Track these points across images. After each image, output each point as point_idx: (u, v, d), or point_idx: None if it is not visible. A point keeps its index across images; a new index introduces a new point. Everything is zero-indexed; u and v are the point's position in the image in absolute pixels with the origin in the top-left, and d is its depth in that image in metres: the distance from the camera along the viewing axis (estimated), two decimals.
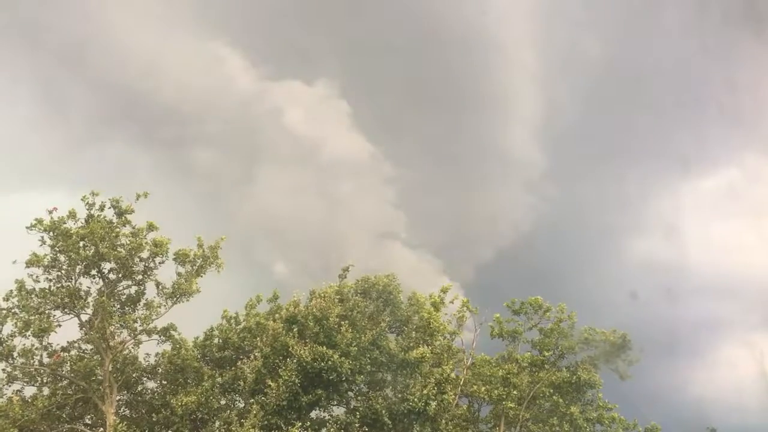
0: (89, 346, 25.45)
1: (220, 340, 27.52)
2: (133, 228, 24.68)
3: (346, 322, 24.94)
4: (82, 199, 24.41)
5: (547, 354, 29.47)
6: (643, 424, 30.62)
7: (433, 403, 25.11)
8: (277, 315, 26.09)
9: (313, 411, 25.61)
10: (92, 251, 23.88)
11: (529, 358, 29.79)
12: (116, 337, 24.87)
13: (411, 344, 26.17)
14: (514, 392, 28.49)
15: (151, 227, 24.84)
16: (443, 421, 27.72)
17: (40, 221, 23.85)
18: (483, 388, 28.83)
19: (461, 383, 28.64)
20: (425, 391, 25.03)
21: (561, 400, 28.44)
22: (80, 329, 25.05)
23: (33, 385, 25.07)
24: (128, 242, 24.44)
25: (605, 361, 29.08)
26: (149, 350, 26.81)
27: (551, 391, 28.80)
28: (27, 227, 23.81)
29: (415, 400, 24.76)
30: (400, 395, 25.26)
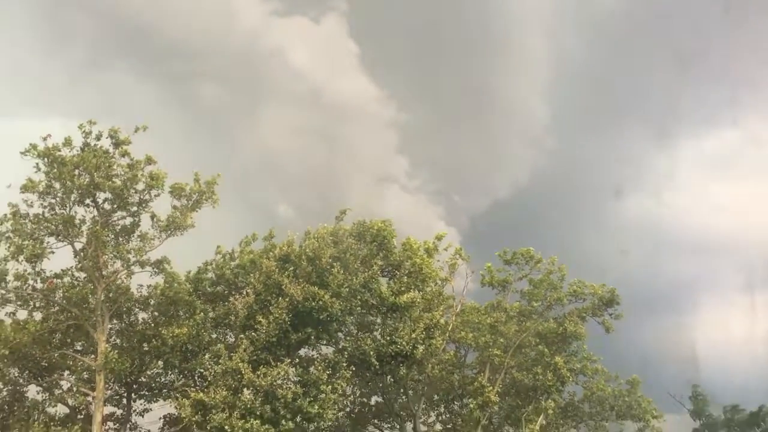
0: (82, 275, 25.53)
1: (214, 276, 27.67)
2: (131, 160, 24.49)
3: (339, 263, 25.06)
4: (79, 127, 24.14)
5: (535, 304, 29.82)
6: (625, 378, 31.29)
7: (421, 347, 25.51)
8: (271, 253, 26.17)
9: (302, 349, 26.01)
10: (87, 180, 23.76)
11: (517, 307, 30.17)
12: (109, 267, 24.94)
13: (402, 288, 26.39)
14: (501, 340, 28.96)
15: (149, 160, 24.66)
16: (429, 365, 28.29)
17: (34, 147, 23.65)
18: (470, 335, 29.29)
19: (450, 329, 29.04)
20: (414, 335, 25.38)
21: (546, 350, 28.91)
22: (74, 257, 25.12)
23: (25, 309, 25.29)
24: (124, 173, 24.29)
25: (592, 314, 29.47)
26: (142, 282, 26.98)
27: (537, 340, 29.29)
28: (21, 152, 23.60)
29: (403, 343, 25.12)
30: (388, 338, 25.61)
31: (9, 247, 23.77)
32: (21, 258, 23.95)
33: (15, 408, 26.25)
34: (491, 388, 27.68)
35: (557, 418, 30.49)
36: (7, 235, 23.85)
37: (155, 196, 24.95)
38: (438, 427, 32.41)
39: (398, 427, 31.42)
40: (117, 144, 24.35)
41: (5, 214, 23.93)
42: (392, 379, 28.20)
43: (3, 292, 24.70)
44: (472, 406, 28.03)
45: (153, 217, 25.03)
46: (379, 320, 27.03)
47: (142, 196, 24.81)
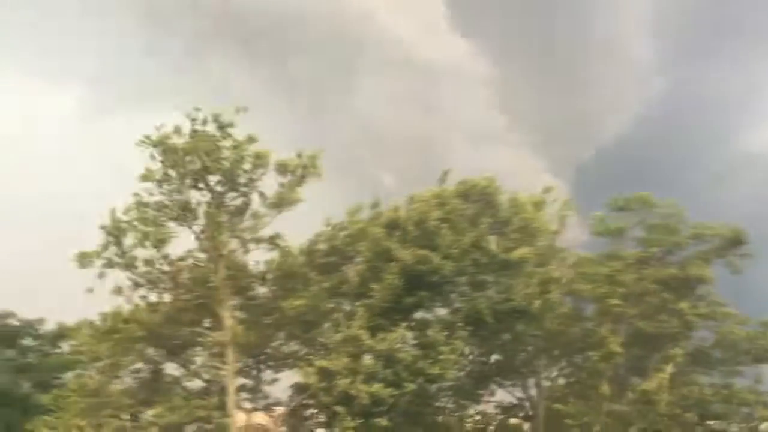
0: (203, 255, 26.80)
1: (326, 247, 28.27)
2: (235, 141, 25.28)
3: (446, 225, 25.00)
4: (186, 115, 25.11)
5: (653, 250, 28.62)
6: (759, 320, 29.64)
7: (537, 302, 25.15)
8: (378, 221, 26.44)
9: (417, 312, 26.22)
10: (198, 165, 24.78)
11: (635, 254, 29.03)
12: (227, 246, 26.02)
13: (512, 245, 26.00)
14: (620, 290, 27.99)
15: (251, 139, 25.36)
16: (547, 320, 27.83)
17: (148, 137, 24.84)
18: (587, 287, 28.52)
19: (565, 282, 28.40)
20: (528, 291, 25.06)
21: (670, 296, 27.76)
22: (194, 239, 26.39)
23: (155, 292, 26.88)
24: (231, 154, 25.13)
25: (717, 256, 27.98)
26: (258, 258, 27.99)
27: (659, 287, 28.09)
28: (136, 143, 24.85)
29: (519, 299, 24.86)
30: (503, 295, 25.43)
31: (136, 235, 25.28)
32: (147, 244, 25.43)
33: (156, 384, 28.12)
34: (613, 338, 26.94)
35: (687, 366, 29.29)
36: (133, 223, 25.37)
37: (262, 174, 25.70)
38: (561, 381, 31.95)
39: (520, 384, 31.25)
40: (221, 127, 25.18)
41: (130, 204, 25.44)
42: (510, 337, 27.98)
43: (135, 277, 26.36)
44: (594, 358, 27.45)
45: (262, 195, 25.83)
46: (491, 279, 26.79)
47: (250, 176, 25.62)
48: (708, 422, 30.63)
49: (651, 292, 28.28)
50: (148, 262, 26.20)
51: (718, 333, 29.61)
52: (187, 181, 25.16)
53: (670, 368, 26.72)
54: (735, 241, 27.70)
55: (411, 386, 23.25)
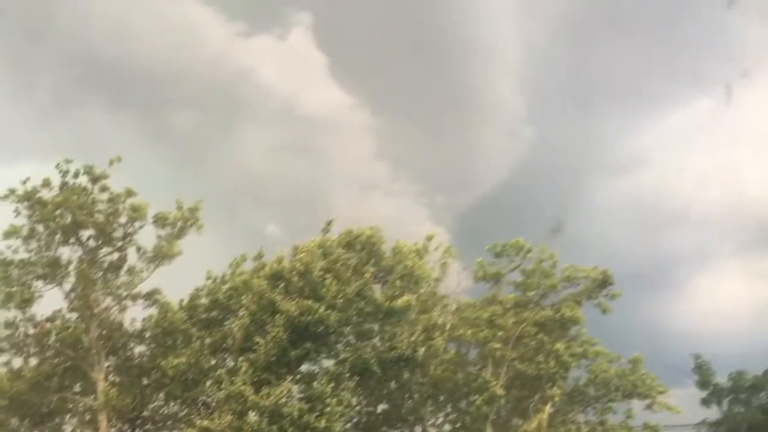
0: (74, 315, 25.38)
1: (207, 301, 27.51)
2: (111, 194, 24.40)
3: (331, 275, 25.01)
4: (56, 167, 24.10)
5: (530, 294, 29.85)
6: (627, 357, 31.34)
7: (422, 349, 25.46)
8: (261, 272, 26.07)
9: (303, 364, 25.84)
10: (69, 219, 23.65)
11: (512, 299, 30.16)
12: (100, 304, 24.82)
13: (396, 293, 26.31)
14: (500, 333, 28.89)
15: (129, 193, 24.58)
16: (432, 366, 28.22)
17: (13, 191, 23.56)
18: (469, 332, 29.23)
19: (448, 328, 29.00)
20: (413, 338, 25.35)
21: (546, 338, 28.91)
22: (64, 299, 24.98)
23: (20, 356, 25.09)
24: (105, 208, 24.20)
25: (588, 298, 29.54)
26: (135, 315, 26.85)
27: (536, 329, 29.22)
28: (0, 198, 23.46)
29: (404, 347, 25.07)
30: (388, 344, 25.55)
31: None
32: (11, 305, 23.79)
33: None
34: (495, 382, 27.64)
35: (564, 405, 30.45)
36: None
37: (139, 228, 24.92)
38: (447, 427, 32.30)
39: (407, 431, 31.32)
40: (94, 180, 24.24)
41: None
42: (396, 385, 28.10)
43: None
44: (478, 402, 27.96)
45: (139, 249, 24.94)
46: (376, 327, 26.93)
47: (126, 230, 24.74)
48: None
49: (529, 335, 29.34)
50: (11, 325, 24.49)
51: (590, 371, 31.01)
52: (57, 236, 23.92)
53: (548, 408, 27.70)
54: (603, 283, 29.31)
55: None
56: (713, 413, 35.64)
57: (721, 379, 36.03)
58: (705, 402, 35.48)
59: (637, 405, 30.92)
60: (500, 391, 27.50)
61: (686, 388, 36.77)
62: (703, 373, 35.85)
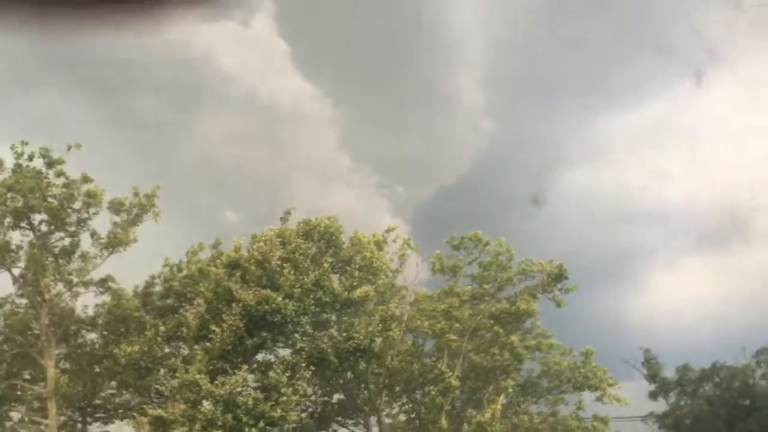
0: (24, 301, 24.84)
1: (162, 289, 27.18)
2: (67, 179, 23.86)
3: (289, 264, 24.91)
4: (10, 148, 23.41)
5: (486, 287, 30.19)
6: (579, 350, 31.94)
7: (378, 340, 25.57)
8: (219, 261, 25.84)
9: (259, 353, 25.75)
10: (21, 202, 23.05)
11: (469, 291, 30.47)
12: (51, 290, 24.30)
13: (354, 284, 26.35)
14: (456, 325, 29.22)
15: (85, 179, 24.07)
16: (389, 357, 28.38)
17: None
18: (426, 323, 29.46)
19: (405, 319, 29.18)
20: (370, 329, 25.41)
21: (501, 330, 29.32)
22: (13, 284, 24.39)
23: None
24: (60, 193, 23.66)
25: (543, 291, 30.00)
26: (88, 302, 26.38)
27: (492, 322, 29.61)
28: None
29: (360, 337, 25.12)
30: (345, 334, 25.60)
31: None
32: None
33: None
34: (451, 373, 27.92)
35: (517, 396, 30.98)
36: None
37: (94, 214, 24.42)
38: (402, 417, 32.54)
39: (362, 422, 31.47)
40: (50, 164, 23.67)
41: None
42: (353, 375, 28.18)
43: None
44: (433, 393, 28.22)
45: (93, 235, 24.49)
46: (334, 317, 26.97)
47: (80, 215, 24.24)
48: None
49: (485, 327, 29.73)
50: None
51: (544, 364, 31.57)
52: (8, 220, 23.31)
53: (502, 399, 28.09)
54: (558, 276, 29.78)
55: (253, 431, 22.65)
56: (661, 406, 36.54)
57: (669, 372, 36.95)
58: (653, 395, 36.32)
59: (587, 397, 31.58)
60: (455, 382, 27.80)
61: (636, 380, 37.61)
62: (651, 367, 36.66)
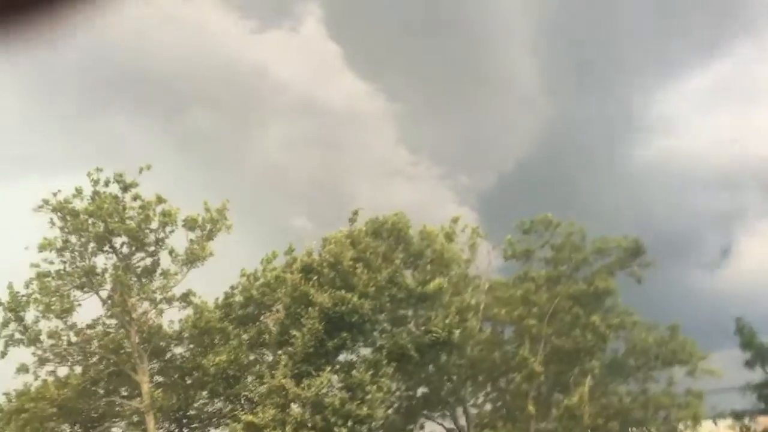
0: (113, 321, 25.85)
1: (242, 298, 27.84)
2: (142, 201, 24.71)
3: (361, 264, 25.14)
4: (87, 175, 24.39)
5: (561, 268, 29.72)
6: (664, 325, 31.06)
7: (457, 331, 25.50)
8: (293, 266, 26.29)
9: (341, 354, 26.06)
10: (102, 227, 24.01)
11: (544, 275, 30.01)
12: (138, 309, 25.21)
13: (427, 277, 26.39)
14: (534, 310, 28.86)
15: (159, 200, 24.88)
16: (469, 348, 28.28)
17: (46, 202, 23.92)
18: (503, 310, 29.23)
19: (481, 308, 29.04)
20: (447, 321, 25.39)
21: (581, 311, 28.77)
22: (102, 305, 25.43)
23: (65, 365, 25.63)
24: (137, 215, 24.52)
25: (620, 268, 29.32)
26: (172, 317, 27.28)
27: (570, 303, 29.10)
28: (34, 209, 23.87)
29: (439, 330, 25.13)
30: (423, 328, 25.67)
31: (38, 307, 24.11)
32: (51, 315, 24.29)
33: None
34: (533, 359, 27.63)
35: (604, 377, 30.33)
36: (34, 296, 24.19)
37: (170, 232, 25.21)
38: (488, 406, 32.40)
39: (449, 413, 31.46)
40: (125, 188, 24.56)
41: (30, 277, 24.27)
42: (434, 368, 28.21)
43: (40, 352, 25.07)
44: (517, 380, 28.03)
45: (171, 252, 25.27)
46: (410, 312, 27.05)
47: (157, 235, 25.07)
48: (630, 429, 31.71)
49: (563, 309, 29.25)
50: (54, 335, 25.02)
51: (629, 342, 30.83)
52: (91, 245, 24.32)
53: (589, 381, 27.61)
54: (635, 252, 29.07)
55: (342, 430, 22.99)
56: (758, 375, 35.13)
57: (765, 339, 35.46)
58: (748, 364, 34.94)
59: (678, 372, 30.67)
60: (539, 368, 27.49)
61: (728, 350, 36.28)
62: (745, 335, 35.29)
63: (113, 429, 27.41)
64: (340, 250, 25.26)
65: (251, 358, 26.74)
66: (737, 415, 34.49)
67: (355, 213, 27.58)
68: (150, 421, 24.59)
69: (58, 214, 24.03)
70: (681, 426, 30.66)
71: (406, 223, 27.22)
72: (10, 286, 24.11)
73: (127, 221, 24.35)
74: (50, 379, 25.31)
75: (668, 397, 30.04)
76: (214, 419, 28.11)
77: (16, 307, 24.10)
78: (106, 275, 24.70)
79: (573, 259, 29.47)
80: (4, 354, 24.37)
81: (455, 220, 29.74)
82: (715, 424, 33.55)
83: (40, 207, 23.97)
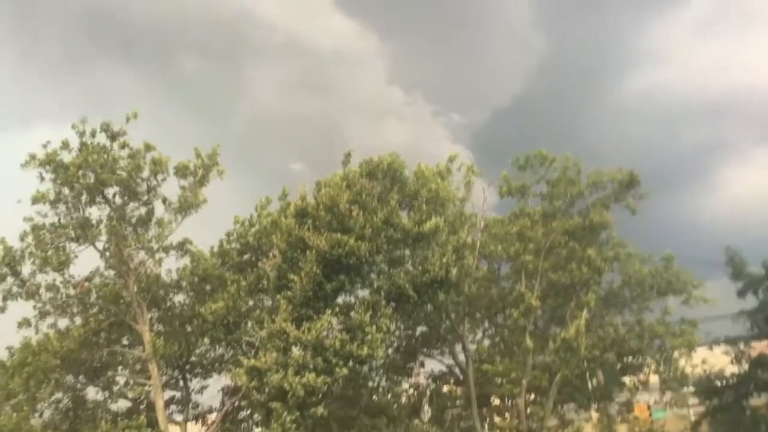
0: (111, 272, 25.84)
1: (238, 245, 27.82)
2: (131, 150, 24.35)
3: (356, 206, 25.02)
4: (72, 127, 23.93)
5: (557, 203, 29.74)
6: (659, 256, 31.31)
7: (454, 270, 25.62)
8: (288, 211, 26.16)
9: (339, 297, 26.20)
10: (93, 179, 23.73)
11: (540, 210, 30.04)
12: (135, 259, 25.18)
13: (423, 217, 26.31)
14: (531, 245, 29.00)
15: (148, 148, 24.52)
16: (466, 285, 28.50)
17: (33, 157, 23.56)
18: (500, 247, 29.37)
19: (478, 246, 29.14)
20: (444, 260, 25.46)
21: (577, 245, 28.91)
22: (99, 257, 25.37)
23: (65, 317, 25.73)
24: (127, 164, 24.21)
25: (615, 201, 29.35)
26: (170, 266, 27.30)
27: (566, 238, 29.21)
28: (21, 165, 23.52)
29: (436, 269, 25.23)
30: (420, 268, 25.75)
31: (34, 261, 24.03)
32: (48, 269, 24.23)
33: (79, 411, 26.99)
34: (530, 293, 27.90)
35: (600, 309, 30.72)
36: (30, 250, 24.08)
37: (162, 180, 24.95)
38: (486, 342, 32.90)
39: (448, 351, 31.95)
40: (113, 137, 24.16)
41: (24, 230, 24.11)
42: (433, 307, 28.46)
43: (40, 305, 25.14)
44: (515, 315, 28.33)
45: (164, 201, 25.08)
46: (407, 253, 27.09)
47: (149, 184, 24.81)
48: (626, 359, 32.33)
49: (559, 244, 29.38)
50: (52, 287, 25.03)
51: (624, 274, 31.10)
52: (83, 197, 24.08)
53: (585, 314, 27.92)
54: (629, 184, 29.02)
55: (343, 371, 23.28)
56: (750, 303, 35.65)
57: (755, 268, 35.86)
58: (741, 293, 35.42)
59: (672, 301, 31.09)
60: (536, 302, 27.80)
61: (720, 280, 36.72)
62: (735, 265, 35.68)
63: (117, 377, 27.70)
64: (335, 193, 25.08)
65: (250, 303, 26.84)
66: (732, 342, 35.22)
67: (348, 155, 27.32)
68: (153, 369, 24.84)
69: (47, 167, 23.66)
70: (676, 354, 31.27)
71: (401, 163, 26.98)
72: (3, 241, 23.96)
73: (118, 171, 24.04)
74: (51, 331, 25.42)
75: (663, 326, 30.52)
76: (217, 365, 28.42)
77: (12, 261, 23.99)
78: (101, 226, 24.52)
79: (568, 194, 29.47)
80: (3, 309, 24.40)
81: (452, 159, 29.57)
82: (711, 349, 34.29)
83: (27, 162, 23.59)
